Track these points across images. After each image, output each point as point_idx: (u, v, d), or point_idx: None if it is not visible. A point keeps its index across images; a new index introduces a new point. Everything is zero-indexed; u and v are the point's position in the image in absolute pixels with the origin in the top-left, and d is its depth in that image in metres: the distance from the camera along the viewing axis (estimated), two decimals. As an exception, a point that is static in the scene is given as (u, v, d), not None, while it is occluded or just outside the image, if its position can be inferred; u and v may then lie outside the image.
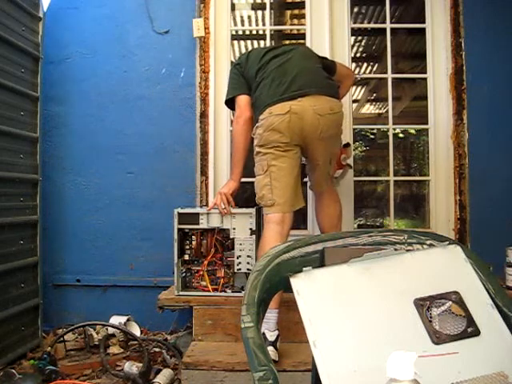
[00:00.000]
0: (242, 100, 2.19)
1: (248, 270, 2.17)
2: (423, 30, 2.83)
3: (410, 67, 3.99)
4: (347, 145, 2.57)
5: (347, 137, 2.79)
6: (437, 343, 0.83)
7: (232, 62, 2.35)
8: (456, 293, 0.88)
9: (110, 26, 2.81)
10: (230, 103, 2.27)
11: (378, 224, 4.79)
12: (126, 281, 2.73)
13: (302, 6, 2.99)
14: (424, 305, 0.86)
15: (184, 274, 2.28)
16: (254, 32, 3.79)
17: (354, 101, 5.64)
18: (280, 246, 0.95)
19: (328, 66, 2.31)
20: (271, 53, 2.22)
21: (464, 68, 2.71)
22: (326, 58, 2.41)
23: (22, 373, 1.95)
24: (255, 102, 2.16)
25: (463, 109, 2.71)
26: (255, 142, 2.12)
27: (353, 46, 4.36)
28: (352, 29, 2.88)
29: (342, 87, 2.39)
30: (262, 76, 2.14)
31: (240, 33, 3.69)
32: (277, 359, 1.84)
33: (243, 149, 2.16)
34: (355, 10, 3.37)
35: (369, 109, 6.21)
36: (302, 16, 3.10)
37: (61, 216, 2.77)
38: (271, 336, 1.86)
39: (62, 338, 2.29)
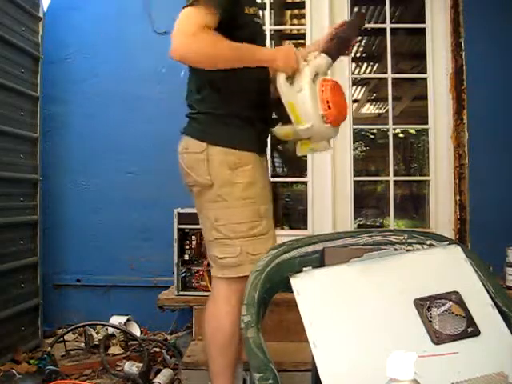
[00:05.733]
0: None
1: (248, 270, 2.17)
2: (423, 30, 2.82)
3: (410, 67, 3.99)
4: None
5: (347, 136, 2.79)
6: (437, 343, 0.83)
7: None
8: (456, 293, 0.88)
9: (110, 26, 2.80)
10: None
11: (378, 224, 4.79)
12: (126, 281, 2.72)
13: (302, 5, 2.99)
14: (424, 305, 0.86)
15: (184, 274, 2.27)
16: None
17: (354, 101, 5.65)
18: (280, 246, 0.95)
19: None
20: None
21: (464, 68, 2.70)
22: None
23: (22, 373, 1.95)
24: None
25: (463, 109, 2.71)
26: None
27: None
28: (352, 29, 2.88)
29: None
30: None
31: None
32: None
33: None
34: (355, 9, 3.37)
35: (369, 109, 6.21)
36: (302, 16, 3.10)
37: (61, 216, 2.77)
38: None
39: (61, 338, 2.28)
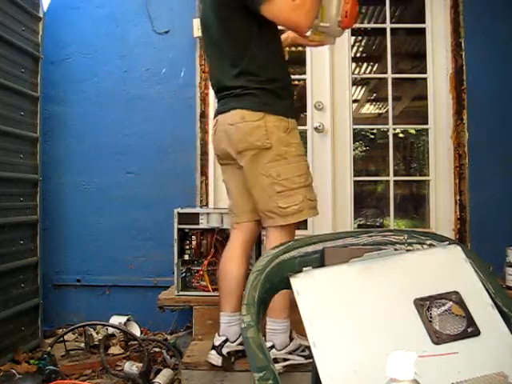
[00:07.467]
0: None
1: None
2: (423, 30, 2.83)
3: (410, 67, 3.99)
4: None
5: (347, 137, 2.79)
6: (437, 343, 0.82)
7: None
8: (456, 293, 0.88)
9: (110, 26, 2.81)
10: None
11: (378, 224, 4.79)
12: (126, 281, 2.72)
13: (302, 5, 2.99)
14: (424, 305, 0.86)
15: (184, 274, 2.28)
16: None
17: (354, 101, 5.64)
18: (280, 246, 0.95)
19: None
20: None
21: (464, 68, 2.71)
22: None
23: (22, 373, 1.95)
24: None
25: (463, 109, 2.71)
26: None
27: (353, 46, 4.36)
28: (352, 29, 2.87)
29: None
30: None
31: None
32: (219, 364, 1.81)
33: None
34: None
35: (369, 109, 6.21)
36: None
37: (61, 216, 2.77)
38: (216, 340, 1.84)
39: (61, 338, 2.29)
